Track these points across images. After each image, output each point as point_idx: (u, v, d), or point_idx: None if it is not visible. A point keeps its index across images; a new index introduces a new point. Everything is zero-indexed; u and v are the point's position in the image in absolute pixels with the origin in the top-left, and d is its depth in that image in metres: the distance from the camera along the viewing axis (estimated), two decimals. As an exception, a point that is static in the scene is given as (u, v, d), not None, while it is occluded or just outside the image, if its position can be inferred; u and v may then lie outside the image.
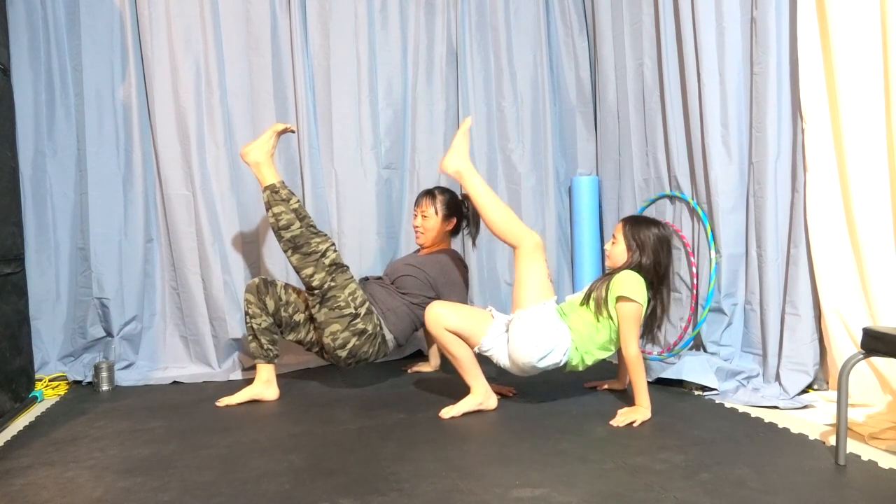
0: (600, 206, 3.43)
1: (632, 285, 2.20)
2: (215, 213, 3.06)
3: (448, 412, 2.24)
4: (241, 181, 3.12)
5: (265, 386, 2.54)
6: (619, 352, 2.32)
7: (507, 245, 2.34)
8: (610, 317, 2.22)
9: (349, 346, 2.50)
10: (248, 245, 3.15)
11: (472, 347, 2.26)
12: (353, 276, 2.57)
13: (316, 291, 2.47)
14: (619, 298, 2.19)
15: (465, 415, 2.24)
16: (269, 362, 2.55)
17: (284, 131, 2.66)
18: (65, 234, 2.97)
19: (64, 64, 2.93)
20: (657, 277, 2.28)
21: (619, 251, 2.32)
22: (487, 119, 3.55)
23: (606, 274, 2.32)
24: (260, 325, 2.51)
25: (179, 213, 3.02)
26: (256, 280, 2.55)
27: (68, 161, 2.96)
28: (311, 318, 2.60)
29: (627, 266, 2.28)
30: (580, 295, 2.34)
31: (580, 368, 2.29)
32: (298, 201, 2.54)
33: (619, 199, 3.27)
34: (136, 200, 3.03)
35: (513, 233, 2.26)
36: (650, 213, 3.02)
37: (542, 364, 2.18)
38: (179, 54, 2.99)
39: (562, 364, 2.23)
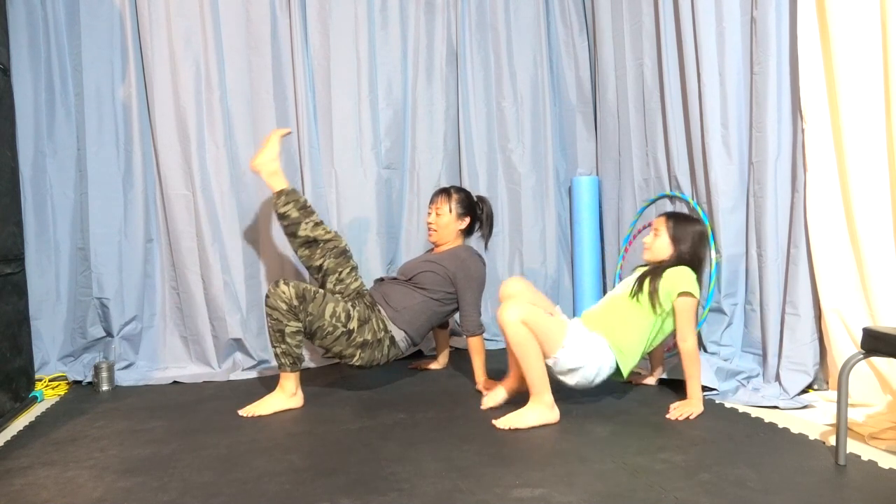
0: (600, 206, 3.43)
1: (690, 280, 2.24)
2: (215, 213, 3.06)
3: (507, 423, 2.11)
4: (240, 181, 3.12)
5: None
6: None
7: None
8: (662, 310, 2.23)
9: (356, 358, 2.53)
10: (248, 245, 3.15)
11: (545, 356, 2.16)
12: (324, 295, 2.46)
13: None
14: (680, 294, 2.22)
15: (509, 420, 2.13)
16: None
17: (285, 135, 2.79)
18: (65, 234, 2.97)
19: (64, 64, 2.93)
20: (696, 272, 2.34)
21: (662, 244, 2.36)
22: (487, 119, 3.55)
23: (652, 268, 2.33)
24: None
25: (179, 213, 3.02)
26: (284, 280, 2.52)
27: (68, 161, 2.95)
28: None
29: (673, 260, 2.32)
30: (620, 290, 2.35)
31: (626, 372, 2.26)
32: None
33: (619, 199, 3.27)
34: (136, 200, 3.03)
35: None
36: (650, 213, 3.02)
37: (597, 382, 2.21)
38: (179, 54, 2.99)
39: (612, 372, 2.24)
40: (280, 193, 2.69)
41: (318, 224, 2.72)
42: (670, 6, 2.83)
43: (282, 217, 2.70)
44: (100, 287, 2.96)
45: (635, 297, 2.27)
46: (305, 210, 2.71)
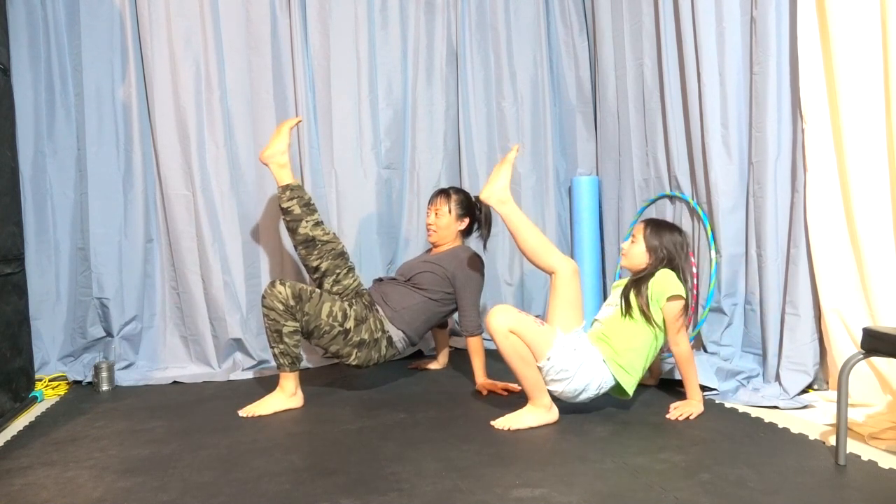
0: (600, 206, 3.43)
1: (673, 283, 2.21)
2: (215, 213, 3.06)
3: (505, 424, 2.11)
4: (241, 181, 3.12)
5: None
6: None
7: (541, 271, 2.26)
8: (655, 322, 2.20)
9: (353, 357, 2.54)
10: (248, 245, 3.15)
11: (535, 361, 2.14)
12: (321, 295, 2.47)
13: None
14: (669, 298, 2.19)
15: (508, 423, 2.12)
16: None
17: (294, 126, 2.84)
18: (65, 234, 2.97)
19: (64, 64, 2.92)
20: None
21: (638, 252, 2.31)
22: (487, 119, 3.55)
23: (632, 281, 2.29)
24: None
25: (179, 213, 3.02)
26: (280, 280, 2.52)
27: (68, 161, 2.95)
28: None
29: (651, 268, 2.27)
30: (611, 311, 2.30)
31: (630, 390, 2.21)
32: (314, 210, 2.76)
33: (619, 199, 3.27)
34: (136, 200, 3.03)
35: (549, 260, 2.19)
36: (650, 213, 3.02)
37: (581, 398, 2.17)
38: (179, 54, 2.99)
39: (605, 391, 2.20)
40: (286, 188, 2.70)
41: (318, 224, 2.73)
42: (670, 6, 2.83)
43: (285, 212, 2.71)
44: (100, 287, 2.96)
45: (627, 316, 2.23)
46: (308, 207, 2.72)
